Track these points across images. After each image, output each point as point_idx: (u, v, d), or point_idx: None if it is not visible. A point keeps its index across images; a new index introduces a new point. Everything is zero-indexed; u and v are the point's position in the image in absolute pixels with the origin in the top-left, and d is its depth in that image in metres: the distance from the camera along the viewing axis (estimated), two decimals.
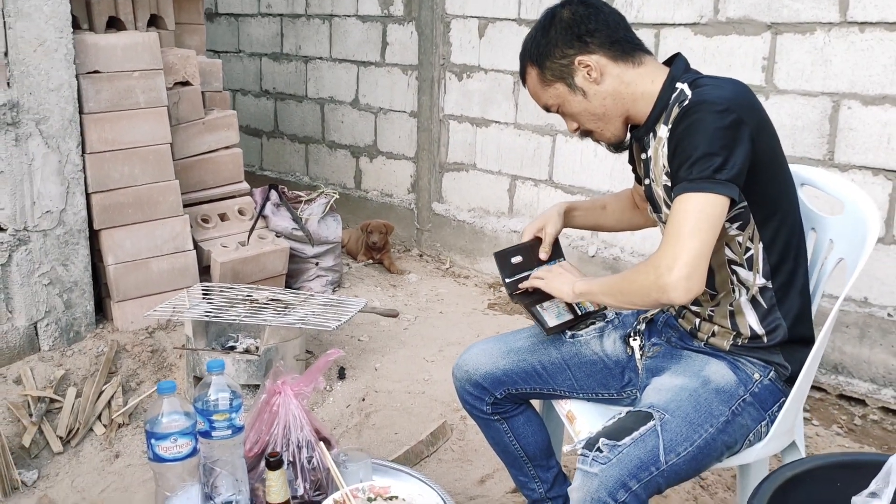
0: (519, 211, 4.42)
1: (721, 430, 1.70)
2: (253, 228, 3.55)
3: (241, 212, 3.65)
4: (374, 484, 2.08)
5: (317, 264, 3.77)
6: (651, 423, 1.65)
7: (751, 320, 1.80)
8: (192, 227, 3.44)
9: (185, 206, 3.45)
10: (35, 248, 2.99)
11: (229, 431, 2.00)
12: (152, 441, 1.90)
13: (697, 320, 1.88)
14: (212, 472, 2.02)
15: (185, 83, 3.48)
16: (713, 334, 1.84)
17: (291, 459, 2.08)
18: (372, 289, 3.99)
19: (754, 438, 1.79)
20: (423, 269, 4.51)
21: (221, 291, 3.14)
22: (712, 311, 1.84)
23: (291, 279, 3.74)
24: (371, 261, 4.41)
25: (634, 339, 2.00)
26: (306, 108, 5.69)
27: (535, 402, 2.19)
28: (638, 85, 1.79)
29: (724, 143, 1.60)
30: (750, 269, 1.77)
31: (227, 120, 3.66)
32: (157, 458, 1.91)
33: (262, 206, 3.70)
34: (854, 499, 1.33)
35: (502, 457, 2.17)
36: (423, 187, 4.91)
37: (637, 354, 1.99)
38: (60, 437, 2.71)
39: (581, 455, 1.64)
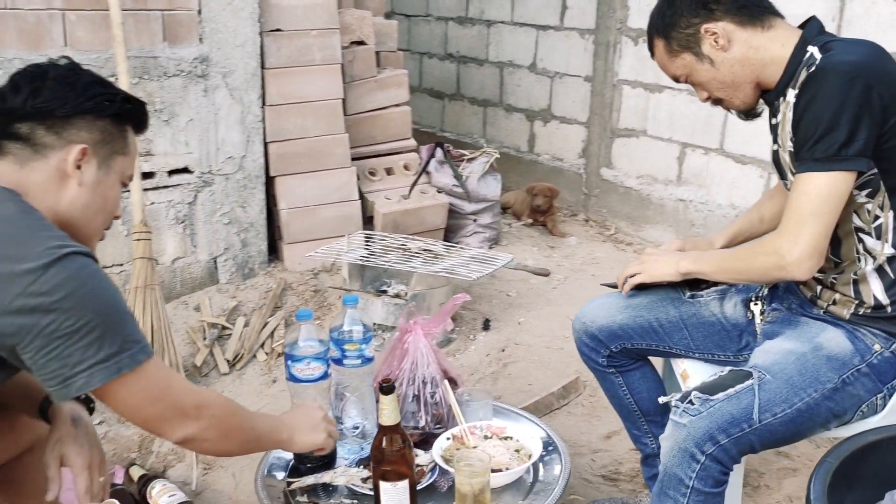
0: (687, 180, 4.34)
1: (827, 397, 1.67)
2: (415, 183, 3.72)
3: (406, 167, 3.84)
4: (492, 424, 2.20)
5: (475, 220, 3.90)
6: (749, 382, 1.65)
7: (875, 290, 1.74)
8: (359, 178, 3.67)
9: (354, 159, 3.68)
10: (217, 190, 3.31)
11: (359, 361, 2.17)
12: (289, 363, 2.11)
13: (819, 287, 1.83)
14: (343, 398, 2.21)
15: (360, 42, 3.69)
16: (834, 302, 1.80)
17: (416, 393, 2.23)
18: (529, 248, 4.08)
19: (868, 410, 1.74)
20: (585, 233, 4.54)
21: (379, 240, 3.34)
22: (835, 278, 1.79)
23: (450, 234, 3.89)
24: (534, 222, 4.49)
25: (756, 304, 1.98)
26: (486, 71, 5.81)
27: (657, 361, 2.22)
28: (767, 49, 1.76)
29: (850, 115, 1.57)
30: (878, 237, 1.71)
31: (398, 79, 3.84)
32: (293, 379, 2.12)
33: (427, 163, 3.87)
34: None
35: (617, 409, 2.22)
36: (593, 152, 4.92)
37: (757, 319, 1.97)
38: (228, 360, 3.02)
39: (674, 406, 1.67)
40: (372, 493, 1.86)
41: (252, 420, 1.67)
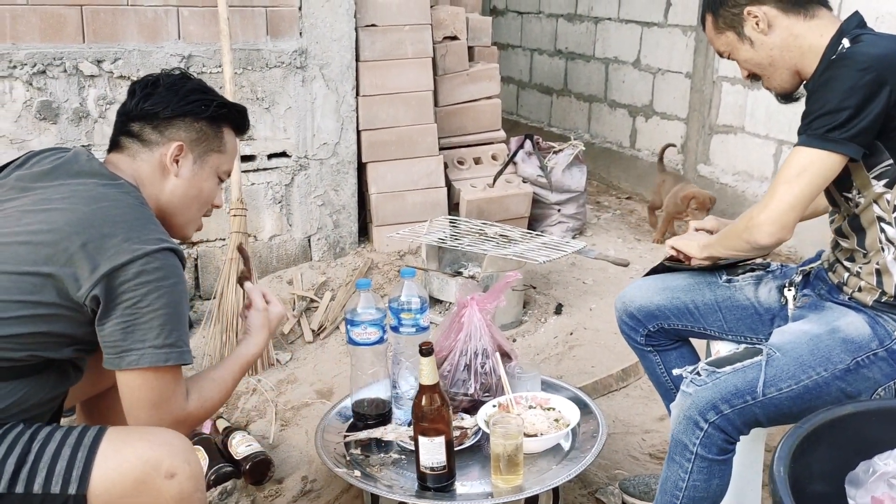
0: None
1: (838, 377, 1.72)
2: (501, 172, 3.87)
3: (493, 157, 3.99)
4: (537, 395, 2.33)
5: (559, 210, 4.01)
6: (758, 358, 1.73)
7: None
8: (447, 167, 3.85)
9: (445, 148, 3.87)
10: (312, 173, 3.57)
11: (413, 329, 2.35)
12: (349, 327, 2.31)
13: (846, 275, 1.88)
14: (399, 363, 2.39)
15: (454, 38, 3.87)
16: (859, 289, 1.84)
17: (468, 363, 2.39)
18: (613, 239, 4.15)
19: (886, 394, 1.77)
20: (679, 229, 4.55)
21: (458, 225, 3.51)
22: (861, 268, 1.84)
23: (535, 223, 4.02)
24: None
25: (789, 290, 2.03)
26: (592, 67, 5.89)
27: (699, 345, 2.29)
28: (806, 38, 1.81)
29: (854, 102, 1.62)
30: None
31: (490, 72, 4.00)
32: (352, 342, 2.32)
33: (514, 153, 4.01)
34: None
35: (656, 387, 2.31)
36: (691, 148, 4.93)
37: (790, 304, 2.02)
38: (313, 330, 3.26)
39: (684, 377, 1.76)
40: None
41: (231, 380, 1.78)
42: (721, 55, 1.96)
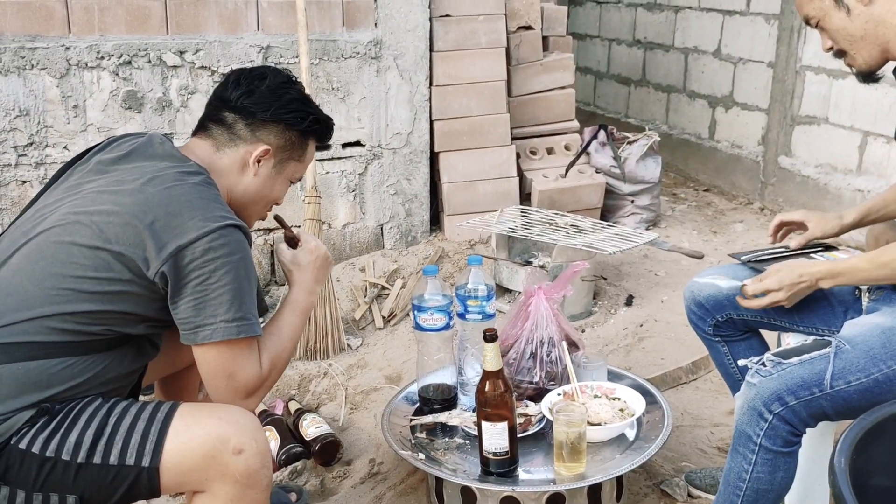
0: (867, 170, 4.17)
1: None
2: (574, 162, 3.85)
3: (566, 147, 3.98)
4: (603, 385, 2.33)
5: (632, 202, 3.98)
6: (826, 350, 1.69)
7: None
8: (520, 157, 3.85)
9: (517, 138, 3.87)
10: (385, 162, 3.62)
11: (479, 316, 2.37)
12: (416, 312, 2.35)
13: None
14: (465, 350, 2.41)
15: (528, 27, 3.87)
16: None
17: (534, 352, 2.40)
18: (689, 231, 4.10)
19: None
20: (755, 221, 4.47)
21: (529, 214, 3.51)
22: None
23: (608, 214, 3.99)
24: None
25: None
26: (671, 57, 5.79)
27: (771, 336, 2.25)
28: None
29: None
30: None
31: (564, 62, 3.98)
32: (419, 327, 2.35)
33: (588, 144, 3.99)
34: None
35: (725, 378, 2.28)
36: (772, 140, 4.81)
37: (864, 297, 1.97)
38: (383, 317, 3.31)
39: (750, 367, 1.74)
40: None
41: (293, 337, 1.80)
42: (808, 22, 1.87)
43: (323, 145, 1.91)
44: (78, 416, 1.56)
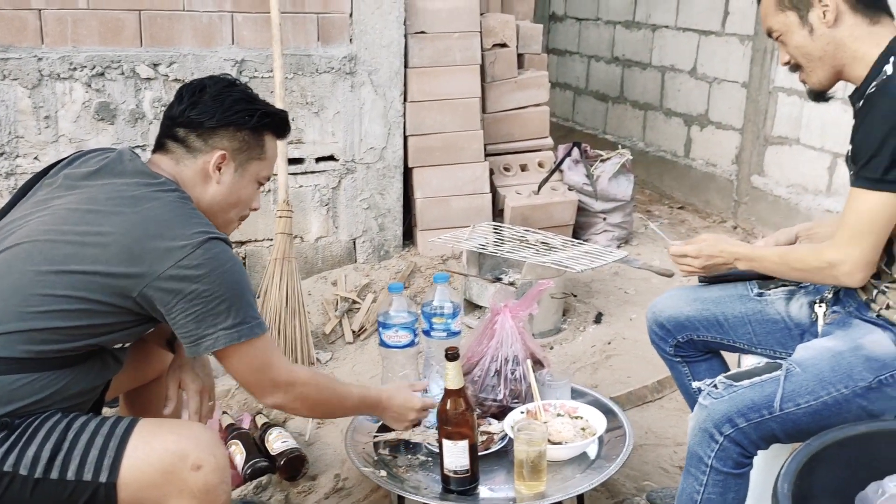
0: (837, 191, 4.22)
1: (859, 395, 1.70)
2: (547, 180, 3.88)
3: (540, 164, 4.00)
4: (566, 403, 2.35)
5: (604, 219, 4.01)
6: (777, 373, 1.72)
7: None
8: (494, 173, 3.88)
9: (491, 154, 3.90)
10: (359, 177, 3.63)
11: (444, 333, 2.39)
12: (381, 329, 2.37)
13: (875, 291, 1.85)
14: (430, 367, 2.43)
15: (503, 45, 3.90)
16: (887, 307, 1.82)
17: (499, 369, 2.41)
18: (661, 250, 4.12)
19: None
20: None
21: (501, 231, 3.53)
22: (887, 286, 1.81)
23: (581, 231, 4.02)
24: None
25: (820, 306, 2.01)
26: (648, 75, 5.85)
27: (730, 357, 2.28)
28: (863, 43, 1.76)
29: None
30: None
31: (539, 80, 4.02)
32: (384, 344, 2.37)
33: (561, 161, 4.01)
34: None
35: (685, 398, 2.31)
36: (746, 159, 4.86)
37: (820, 321, 2.00)
38: (353, 332, 3.32)
39: (702, 390, 1.77)
40: None
41: (342, 396, 2.00)
42: (770, 34, 1.89)
43: (281, 138, 1.91)
44: (36, 431, 1.56)
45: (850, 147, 1.77)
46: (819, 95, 1.89)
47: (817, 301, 2.02)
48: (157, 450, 1.58)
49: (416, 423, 2.18)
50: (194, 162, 1.77)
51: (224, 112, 1.77)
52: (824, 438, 1.40)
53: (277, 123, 1.87)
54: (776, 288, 2.11)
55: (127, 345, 1.77)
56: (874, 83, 1.70)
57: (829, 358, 1.74)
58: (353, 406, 2.07)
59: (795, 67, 1.88)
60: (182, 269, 1.58)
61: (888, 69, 1.70)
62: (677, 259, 2.10)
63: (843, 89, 1.96)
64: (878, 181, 1.66)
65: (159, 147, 1.81)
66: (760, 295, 2.11)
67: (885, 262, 1.80)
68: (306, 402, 1.87)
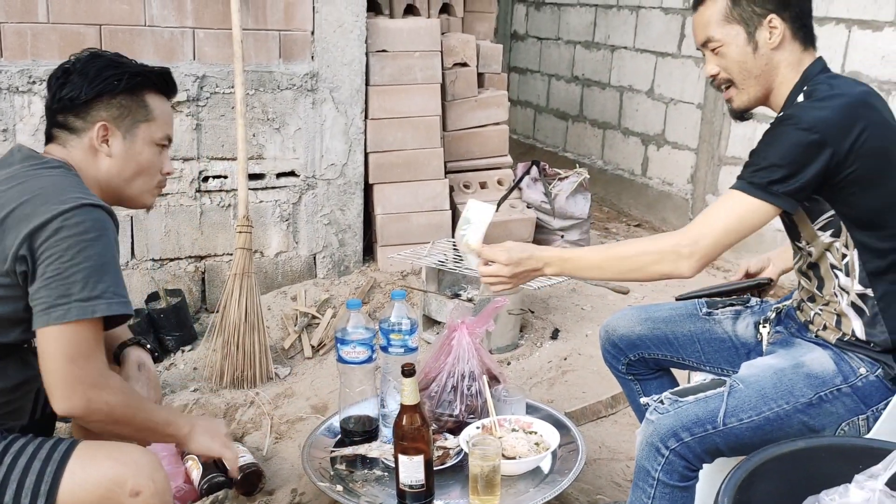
0: None
1: (800, 410, 1.76)
2: (505, 197, 3.94)
3: (499, 182, 4.06)
4: (521, 418, 2.39)
5: (562, 237, 4.07)
6: (721, 389, 1.78)
7: (855, 326, 1.82)
8: (454, 190, 3.92)
9: (451, 172, 3.95)
10: (319, 193, 3.66)
11: (402, 350, 2.41)
12: (339, 345, 2.38)
13: (812, 313, 1.92)
14: (388, 382, 2.45)
15: (464, 64, 3.96)
16: (824, 327, 1.88)
17: (455, 385, 2.44)
18: None
19: (850, 430, 1.81)
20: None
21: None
22: (821, 309, 1.88)
23: None
24: None
25: (764, 327, 2.07)
26: (607, 95, 5.95)
27: (679, 374, 2.34)
28: (791, 70, 1.83)
29: (793, 160, 1.67)
30: (847, 275, 1.80)
31: (498, 99, 4.08)
32: (341, 360, 2.38)
33: (520, 179, 4.08)
34: (856, 476, 1.40)
35: (636, 414, 2.36)
36: (701, 178, 4.97)
37: (765, 340, 2.07)
38: (312, 346, 3.34)
39: (649, 405, 1.82)
40: None
41: (148, 413, 1.74)
42: (704, 43, 1.87)
43: (168, 95, 1.85)
44: None
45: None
46: (741, 115, 1.94)
47: (761, 321, 2.09)
48: (94, 476, 1.56)
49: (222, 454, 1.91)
50: (80, 141, 1.74)
51: (91, 83, 1.72)
52: (763, 454, 1.45)
53: (153, 80, 1.80)
54: (724, 308, 2.18)
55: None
56: (780, 116, 1.78)
57: (771, 375, 1.80)
58: (160, 423, 1.77)
59: (723, 83, 1.89)
60: (51, 230, 1.55)
61: (800, 98, 1.78)
62: (485, 271, 2.02)
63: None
64: (760, 188, 1.69)
65: (49, 139, 1.78)
66: (709, 314, 2.18)
67: (817, 286, 1.87)
68: (111, 413, 1.63)
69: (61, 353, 1.55)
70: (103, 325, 1.62)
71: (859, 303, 1.80)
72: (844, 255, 1.79)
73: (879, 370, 1.80)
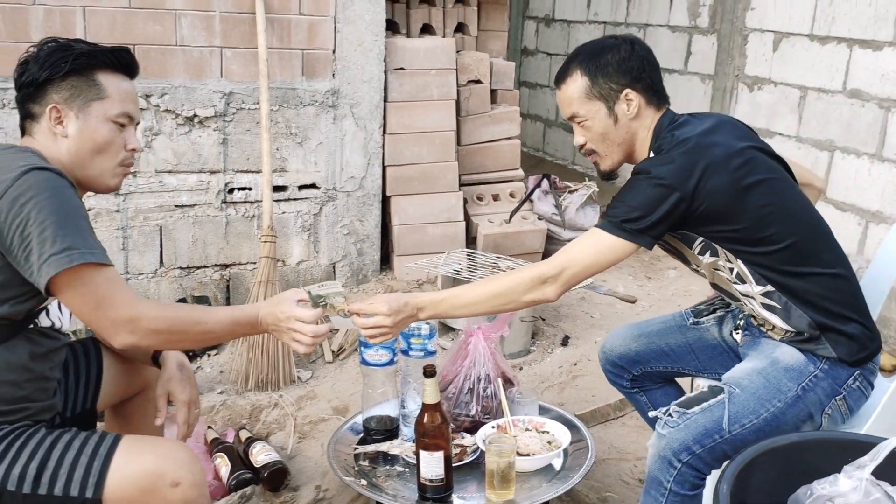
0: None
1: (790, 405, 1.88)
2: (517, 209, 4.09)
3: (511, 194, 4.21)
4: (534, 419, 2.52)
5: None
6: (721, 396, 1.89)
7: (777, 322, 1.96)
8: (467, 202, 4.08)
9: (465, 184, 4.10)
10: (339, 204, 3.82)
11: (422, 353, 2.55)
12: (362, 348, 2.52)
13: (753, 318, 2.07)
14: (408, 384, 2.59)
15: (477, 81, 4.11)
16: (773, 328, 2.01)
17: (472, 387, 2.58)
18: (624, 277, 4.34)
19: (833, 412, 1.92)
20: (686, 268, 4.71)
21: (474, 257, 3.73)
22: (751, 317, 2.05)
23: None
24: None
25: (736, 332, 2.20)
26: None
27: (685, 382, 2.46)
28: (650, 130, 2.00)
29: (645, 204, 1.85)
30: (744, 282, 1.96)
31: (511, 115, 4.23)
32: (364, 362, 2.52)
33: (532, 191, 4.22)
34: (845, 467, 1.53)
35: (647, 422, 2.48)
36: None
37: (739, 344, 2.19)
38: (333, 351, 3.48)
39: (658, 418, 1.94)
40: None
41: (199, 320, 1.79)
42: (572, 117, 2.01)
43: (126, 73, 1.86)
44: (21, 449, 1.68)
45: None
46: (609, 176, 2.10)
47: (733, 328, 2.22)
48: (137, 470, 1.69)
49: (317, 340, 1.96)
50: (41, 127, 1.79)
51: (41, 67, 1.76)
52: (759, 446, 1.59)
53: (104, 60, 1.82)
54: (708, 315, 2.31)
55: (55, 323, 1.82)
56: (637, 169, 1.95)
57: (757, 375, 1.92)
58: (222, 327, 1.83)
59: (590, 152, 2.06)
60: (7, 202, 1.60)
61: (652, 153, 1.96)
62: (366, 323, 2.06)
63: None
64: (617, 227, 1.87)
65: (22, 132, 1.84)
66: (696, 323, 2.30)
67: (732, 298, 2.04)
68: (159, 335, 1.71)
69: (83, 305, 1.65)
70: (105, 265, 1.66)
71: (768, 301, 1.94)
72: (732, 269, 1.95)
73: (823, 362, 1.92)
